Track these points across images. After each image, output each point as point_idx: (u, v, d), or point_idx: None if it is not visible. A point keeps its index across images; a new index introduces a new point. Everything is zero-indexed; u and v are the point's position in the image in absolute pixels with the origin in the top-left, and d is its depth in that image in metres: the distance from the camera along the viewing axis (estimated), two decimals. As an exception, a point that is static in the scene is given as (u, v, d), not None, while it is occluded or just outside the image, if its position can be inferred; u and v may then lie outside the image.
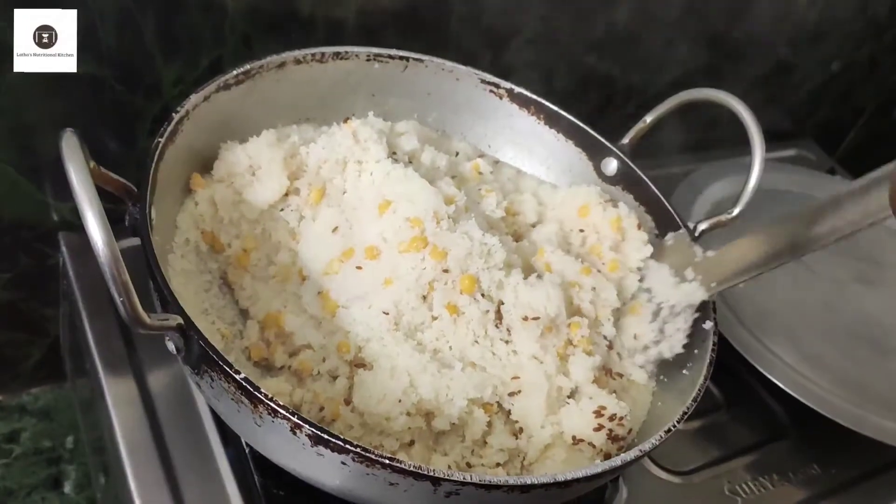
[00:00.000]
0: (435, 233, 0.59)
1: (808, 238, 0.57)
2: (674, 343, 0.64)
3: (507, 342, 0.59)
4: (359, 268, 0.60)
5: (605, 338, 0.64)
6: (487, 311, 0.59)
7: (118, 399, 0.64)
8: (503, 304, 0.59)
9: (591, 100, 1.01)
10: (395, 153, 0.68)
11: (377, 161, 0.63)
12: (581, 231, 0.71)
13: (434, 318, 0.58)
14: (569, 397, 0.60)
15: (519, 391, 0.58)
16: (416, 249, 0.58)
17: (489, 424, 0.57)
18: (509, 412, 0.58)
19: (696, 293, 0.63)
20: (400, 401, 0.53)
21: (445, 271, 0.58)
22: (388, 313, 0.58)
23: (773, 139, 1.27)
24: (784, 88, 1.22)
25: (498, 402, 0.59)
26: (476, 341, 0.59)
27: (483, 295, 0.59)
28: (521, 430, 0.58)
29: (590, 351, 0.61)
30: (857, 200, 0.54)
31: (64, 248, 0.75)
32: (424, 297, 0.58)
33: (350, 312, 0.59)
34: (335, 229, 0.62)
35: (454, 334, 0.58)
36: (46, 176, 0.72)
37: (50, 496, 0.87)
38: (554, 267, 0.65)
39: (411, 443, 0.56)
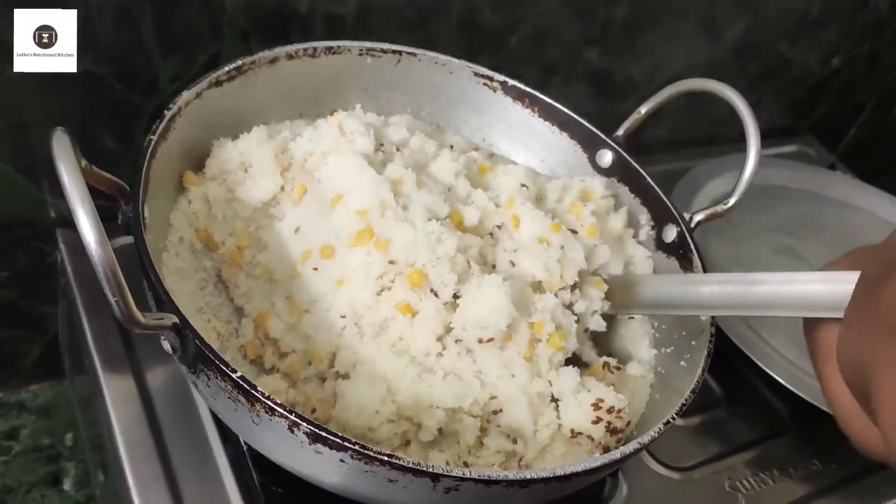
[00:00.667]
0: (379, 223, 0.57)
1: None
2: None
3: (472, 361, 0.57)
4: (315, 269, 0.59)
5: (572, 311, 0.62)
6: (441, 310, 0.56)
7: (117, 397, 0.64)
8: (451, 327, 0.56)
9: (590, 95, 1.01)
10: (382, 145, 0.67)
11: (336, 153, 0.62)
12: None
13: (391, 319, 0.56)
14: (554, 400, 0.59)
15: (500, 409, 0.57)
16: (363, 243, 0.57)
17: (483, 429, 0.56)
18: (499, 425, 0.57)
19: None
20: (378, 411, 0.52)
21: (392, 262, 0.56)
22: (344, 316, 0.56)
23: (774, 135, 1.26)
24: (784, 84, 1.22)
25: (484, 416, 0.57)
26: (442, 351, 0.56)
27: (433, 291, 0.56)
28: (515, 440, 0.57)
29: (560, 347, 0.59)
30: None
31: (62, 246, 0.75)
32: (379, 295, 0.57)
33: (313, 318, 0.57)
34: (297, 230, 0.61)
35: (414, 337, 0.56)
36: (44, 173, 0.72)
37: (49, 493, 0.87)
38: (523, 222, 0.63)
39: (407, 443, 0.56)
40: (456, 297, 0.57)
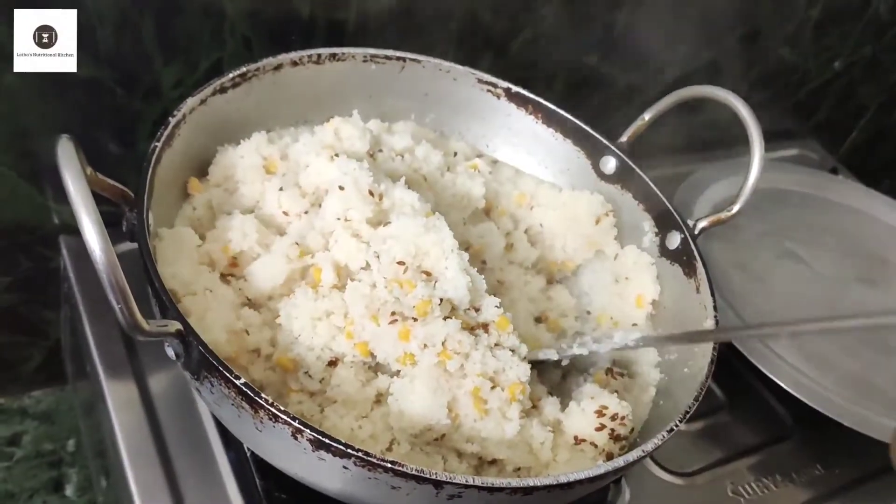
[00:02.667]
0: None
1: None
2: None
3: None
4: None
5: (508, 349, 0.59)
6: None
7: (119, 402, 0.64)
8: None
9: (591, 100, 1.01)
10: (381, 150, 0.68)
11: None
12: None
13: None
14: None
15: (493, 461, 0.57)
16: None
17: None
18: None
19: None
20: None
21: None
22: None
23: (776, 138, 1.26)
24: (786, 88, 1.22)
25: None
26: None
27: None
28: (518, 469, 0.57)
29: (516, 399, 0.56)
30: None
31: (65, 252, 0.75)
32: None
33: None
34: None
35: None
36: (47, 179, 0.72)
37: (51, 499, 0.87)
38: None
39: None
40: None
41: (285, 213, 0.61)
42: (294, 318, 0.55)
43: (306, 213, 0.62)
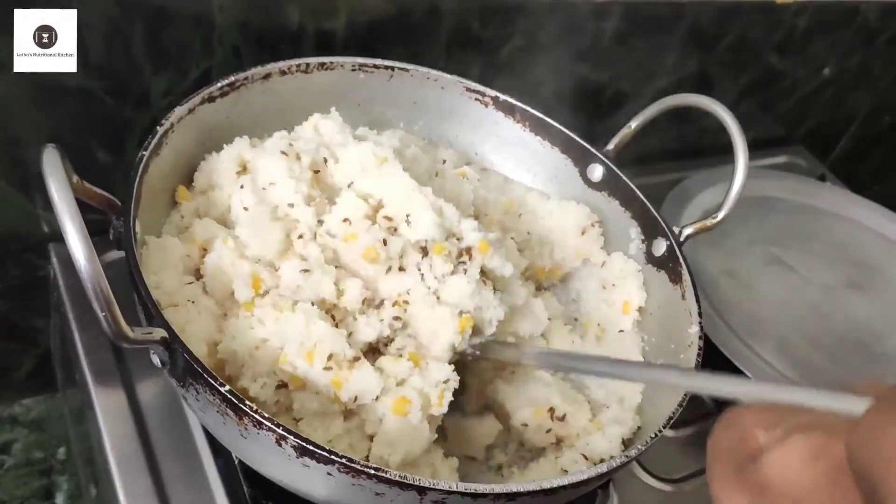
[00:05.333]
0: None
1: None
2: None
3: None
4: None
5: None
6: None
7: (107, 410, 0.64)
8: None
9: (580, 108, 1.01)
10: None
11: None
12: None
13: None
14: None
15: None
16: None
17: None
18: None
19: None
20: None
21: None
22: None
23: (764, 146, 1.27)
24: (775, 95, 1.22)
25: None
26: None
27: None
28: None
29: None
30: None
31: (54, 260, 0.75)
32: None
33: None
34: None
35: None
36: (36, 187, 0.73)
37: (41, 507, 0.87)
38: None
39: None
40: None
41: (245, 209, 0.60)
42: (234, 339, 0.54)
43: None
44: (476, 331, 0.59)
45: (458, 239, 0.59)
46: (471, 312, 0.57)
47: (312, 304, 0.55)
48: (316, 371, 0.52)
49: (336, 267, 0.57)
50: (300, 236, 0.58)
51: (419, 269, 0.57)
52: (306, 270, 0.56)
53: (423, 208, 0.58)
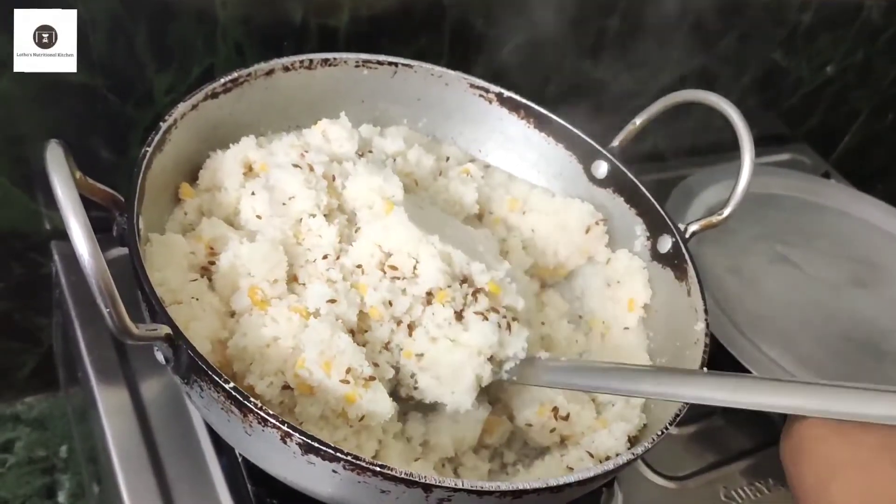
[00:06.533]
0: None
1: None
2: None
3: None
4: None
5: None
6: None
7: (110, 408, 0.64)
8: None
9: (584, 105, 1.01)
10: (370, 151, 0.68)
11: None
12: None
13: None
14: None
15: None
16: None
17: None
18: None
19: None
20: None
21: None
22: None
23: (768, 143, 1.27)
24: (778, 93, 1.22)
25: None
26: None
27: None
28: None
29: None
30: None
31: (56, 258, 0.75)
32: None
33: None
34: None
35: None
36: (39, 185, 0.72)
37: (44, 506, 0.87)
38: None
39: None
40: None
41: (258, 217, 0.60)
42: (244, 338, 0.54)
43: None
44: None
45: (466, 283, 0.59)
46: (494, 348, 0.57)
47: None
48: (332, 382, 0.51)
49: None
50: (325, 256, 0.58)
51: (423, 325, 0.57)
52: (332, 301, 0.56)
53: (431, 257, 0.58)
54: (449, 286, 0.58)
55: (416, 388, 0.57)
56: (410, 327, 0.57)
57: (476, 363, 0.56)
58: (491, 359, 0.57)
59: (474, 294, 0.58)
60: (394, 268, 0.58)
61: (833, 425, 0.48)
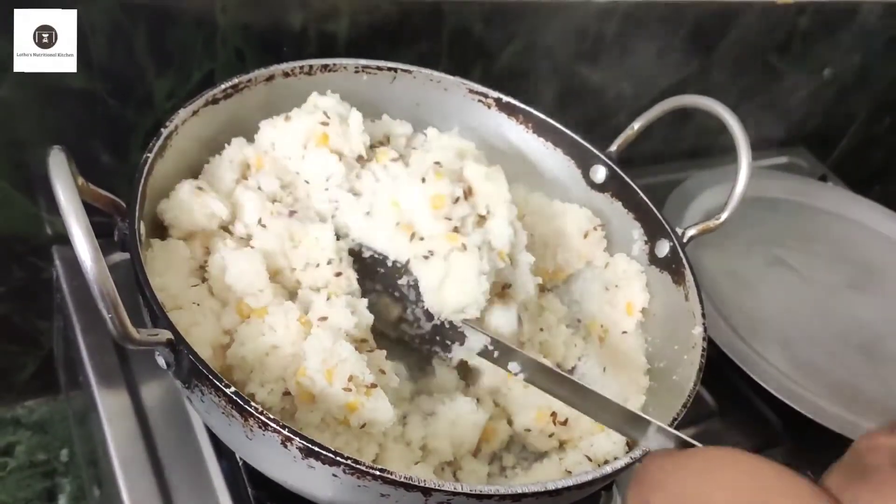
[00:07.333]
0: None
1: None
2: None
3: None
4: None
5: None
6: None
7: (111, 412, 0.65)
8: None
9: (582, 110, 1.02)
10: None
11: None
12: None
13: None
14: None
15: None
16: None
17: None
18: None
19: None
20: None
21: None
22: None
23: (765, 147, 1.27)
24: (776, 96, 1.22)
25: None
26: None
27: None
28: None
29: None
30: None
31: (57, 262, 0.75)
32: None
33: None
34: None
35: None
36: (40, 189, 0.73)
37: (44, 509, 0.87)
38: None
39: None
40: None
41: (248, 224, 0.61)
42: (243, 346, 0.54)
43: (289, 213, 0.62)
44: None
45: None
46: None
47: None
48: (334, 390, 0.52)
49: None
50: (328, 261, 0.59)
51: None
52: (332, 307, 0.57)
53: (507, 222, 0.63)
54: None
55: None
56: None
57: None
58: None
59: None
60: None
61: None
